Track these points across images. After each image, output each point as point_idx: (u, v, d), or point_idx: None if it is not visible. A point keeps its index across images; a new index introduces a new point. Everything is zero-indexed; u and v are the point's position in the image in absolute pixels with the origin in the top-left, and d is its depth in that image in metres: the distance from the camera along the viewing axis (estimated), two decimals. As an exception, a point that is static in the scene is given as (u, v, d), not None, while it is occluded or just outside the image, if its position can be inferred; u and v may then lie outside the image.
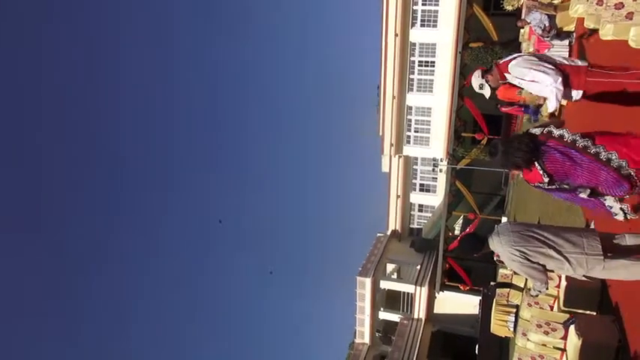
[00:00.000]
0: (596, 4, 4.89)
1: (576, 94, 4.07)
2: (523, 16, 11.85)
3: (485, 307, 16.99)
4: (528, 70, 4.07)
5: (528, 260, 3.85)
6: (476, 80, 4.50)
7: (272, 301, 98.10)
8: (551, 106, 4.03)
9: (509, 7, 19.71)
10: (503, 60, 4.39)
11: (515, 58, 4.25)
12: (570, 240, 3.78)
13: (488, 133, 25.24)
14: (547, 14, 10.98)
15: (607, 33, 3.95)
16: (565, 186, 3.39)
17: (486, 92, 4.49)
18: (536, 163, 3.31)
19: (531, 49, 12.32)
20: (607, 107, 6.77)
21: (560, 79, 3.94)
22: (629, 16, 3.90)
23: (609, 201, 3.35)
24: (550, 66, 3.96)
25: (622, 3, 4.01)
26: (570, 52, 5.98)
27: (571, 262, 3.74)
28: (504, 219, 25.88)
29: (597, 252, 3.70)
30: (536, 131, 3.51)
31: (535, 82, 4.06)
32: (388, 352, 31.75)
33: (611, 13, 4.00)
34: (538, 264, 3.85)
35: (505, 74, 4.35)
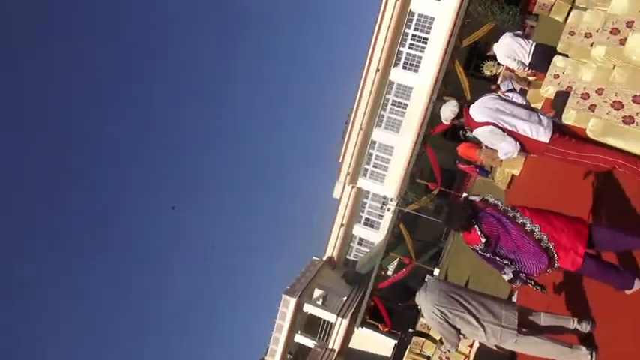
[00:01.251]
0: (566, 88, 5.10)
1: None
2: (499, 82, 12.30)
3: (399, 352, 17.15)
4: (490, 140, 4.21)
5: (447, 322, 3.94)
6: (448, 110, 4.52)
7: (196, 297, 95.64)
8: (501, 155, 4.24)
9: (487, 72, 20.48)
10: (470, 110, 4.40)
11: (479, 108, 4.32)
12: (492, 309, 3.88)
13: (441, 185, 25.87)
14: (520, 87, 11.44)
15: (569, 118, 4.11)
16: (497, 258, 3.71)
17: (447, 116, 4.54)
18: (475, 225, 3.55)
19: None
20: (553, 182, 7.03)
21: (517, 149, 4.10)
22: (592, 108, 4.06)
23: (530, 283, 3.70)
24: (510, 140, 4.12)
25: (588, 94, 4.17)
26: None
27: (486, 331, 3.84)
28: (437, 271, 26.39)
29: (513, 326, 3.81)
30: (475, 199, 3.84)
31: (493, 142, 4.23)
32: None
33: (576, 100, 4.15)
34: (455, 327, 3.94)
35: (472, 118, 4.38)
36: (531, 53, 6.75)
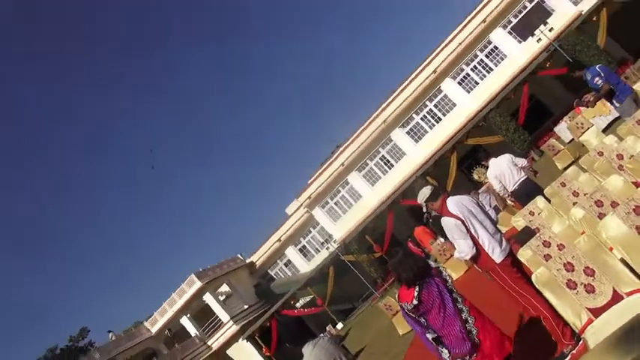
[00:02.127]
0: (534, 228, 5.28)
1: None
2: (480, 191, 12.63)
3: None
4: (453, 234, 4.26)
5: None
6: (428, 191, 4.60)
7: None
8: (455, 253, 4.21)
9: (475, 176, 20.99)
10: (446, 202, 4.51)
11: (457, 202, 4.42)
12: None
13: (385, 252, 26.08)
14: (496, 204, 11.78)
15: (524, 255, 4.25)
16: (422, 319, 3.70)
17: (424, 196, 4.58)
18: (417, 287, 3.52)
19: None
20: (483, 302, 7.20)
21: (473, 253, 4.18)
22: (547, 257, 4.20)
23: (445, 354, 3.61)
24: (470, 243, 4.18)
25: (550, 244, 4.32)
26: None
27: None
28: (340, 325, 26.42)
29: None
30: (432, 264, 3.84)
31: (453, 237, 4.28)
32: (162, 352, 30.71)
33: (537, 244, 4.29)
34: None
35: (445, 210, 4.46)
36: (518, 183, 7.00)
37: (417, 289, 3.55)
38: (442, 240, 10.52)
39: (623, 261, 3.21)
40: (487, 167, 8.21)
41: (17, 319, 75.83)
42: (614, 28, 22.82)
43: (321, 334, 4.52)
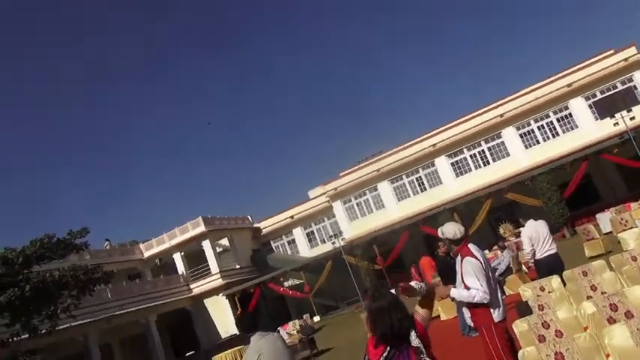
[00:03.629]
0: (538, 306, 5.14)
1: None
2: (501, 245, 12.36)
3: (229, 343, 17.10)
4: (477, 274, 4.18)
5: None
6: (455, 229, 4.47)
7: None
8: (468, 293, 4.12)
9: (500, 230, 20.60)
10: (469, 246, 4.44)
11: (478, 250, 4.39)
12: None
13: (386, 266, 25.92)
14: (510, 266, 11.50)
15: (519, 326, 4.15)
16: None
17: (450, 233, 4.44)
18: (388, 348, 2.94)
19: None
20: (466, 353, 7.08)
21: (485, 299, 4.09)
22: (541, 339, 4.09)
23: None
24: (487, 291, 4.09)
25: (549, 326, 4.20)
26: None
27: None
28: (317, 318, 26.52)
29: None
30: (413, 337, 3.01)
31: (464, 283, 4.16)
32: (145, 277, 31.49)
33: (536, 321, 4.18)
34: None
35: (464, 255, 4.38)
36: (546, 254, 6.74)
37: (385, 352, 2.93)
38: (439, 280, 10.28)
39: (615, 372, 3.09)
40: (517, 224, 8.06)
41: (29, 204, 78.80)
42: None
43: (278, 329, 4.56)
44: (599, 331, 3.40)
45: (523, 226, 7.41)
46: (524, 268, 12.54)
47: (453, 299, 4.42)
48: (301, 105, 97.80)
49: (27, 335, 16.94)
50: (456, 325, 9.41)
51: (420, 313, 3.08)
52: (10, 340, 16.66)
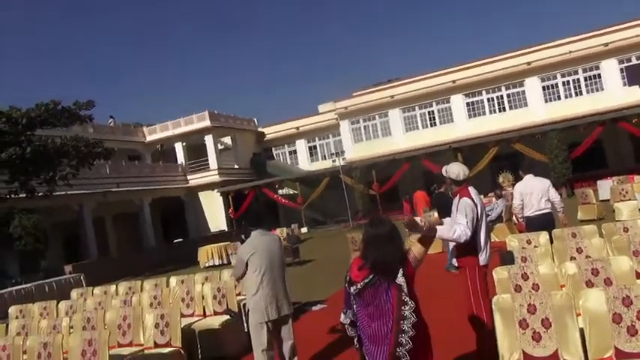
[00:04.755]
0: (521, 258, 5.23)
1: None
2: (496, 194, 12.39)
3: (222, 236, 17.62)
4: (467, 213, 4.25)
5: (245, 263, 4.56)
6: (461, 170, 4.52)
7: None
8: (452, 231, 4.20)
9: (500, 179, 20.61)
10: (469, 188, 4.52)
11: (477, 194, 4.48)
12: (275, 284, 4.61)
13: (380, 192, 26.25)
14: (502, 215, 11.60)
15: (498, 273, 4.26)
16: (354, 302, 2.97)
17: (454, 172, 4.49)
18: (371, 275, 2.87)
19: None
20: (443, 287, 7.33)
21: (466, 238, 4.15)
22: (517, 289, 4.18)
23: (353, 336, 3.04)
24: (469, 231, 4.17)
25: (527, 276, 4.28)
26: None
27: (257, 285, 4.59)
28: (304, 229, 27.29)
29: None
30: (400, 279, 2.87)
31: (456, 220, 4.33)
32: (145, 160, 31.87)
33: (516, 272, 4.27)
34: (246, 266, 4.57)
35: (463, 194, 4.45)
36: (538, 212, 6.57)
37: (368, 278, 2.85)
38: (435, 215, 10.46)
39: (581, 332, 3.17)
40: (517, 175, 7.92)
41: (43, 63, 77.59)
42: None
43: (276, 232, 4.79)
44: (576, 292, 3.46)
45: (522, 178, 7.25)
46: (514, 219, 12.69)
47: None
48: (329, 18, 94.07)
49: (24, 195, 17.44)
50: (439, 261, 9.69)
51: (413, 252, 3.08)
52: (8, 196, 17.17)
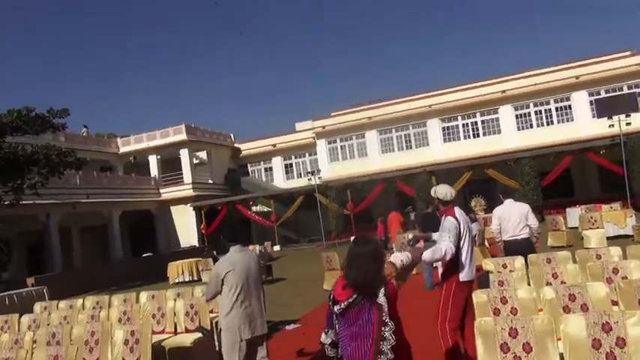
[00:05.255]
0: (499, 281, 5.26)
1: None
2: (472, 217, 12.52)
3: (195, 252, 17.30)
4: (450, 233, 4.46)
5: (221, 281, 4.45)
6: (449, 191, 4.79)
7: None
8: (437, 251, 4.40)
9: (472, 203, 20.86)
10: (455, 209, 4.72)
11: (462, 214, 4.70)
12: (253, 301, 4.55)
13: (355, 213, 26.31)
14: (475, 238, 11.72)
15: (478, 296, 4.27)
16: (334, 317, 2.92)
17: (444, 194, 4.76)
18: (354, 295, 2.83)
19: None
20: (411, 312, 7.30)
21: (449, 256, 4.35)
22: (496, 312, 4.19)
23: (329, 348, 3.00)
24: (453, 250, 4.38)
25: (507, 300, 4.30)
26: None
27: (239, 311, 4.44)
28: (277, 247, 27.05)
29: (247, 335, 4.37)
30: (382, 297, 2.81)
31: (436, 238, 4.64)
32: (117, 171, 31.31)
33: (495, 295, 4.27)
34: (221, 286, 4.47)
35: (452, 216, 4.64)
36: (516, 237, 6.58)
37: (352, 298, 2.82)
38: (413, 235, 10.60)
39: (561, 357, 3.19)
40: (489, 201, 8.05)
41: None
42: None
43: (250, 248, 4.73)
44: (555, 317, 3.48)
45: (497, 203, 7.30)
46: (486, 243, 12.82)
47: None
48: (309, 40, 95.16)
49: (-11, 202, 16.84)
50: (419, 281, 9.69)
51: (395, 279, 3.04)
52: (-28, 203, 16.55)
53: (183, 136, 31.21)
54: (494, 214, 7.10)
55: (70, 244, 26.15)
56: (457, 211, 4.66)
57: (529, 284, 5.22)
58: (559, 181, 24.06)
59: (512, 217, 6.84)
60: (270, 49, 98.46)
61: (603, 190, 24.82)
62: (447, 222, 4.53)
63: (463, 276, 4.48)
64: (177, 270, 17.40)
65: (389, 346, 2.73)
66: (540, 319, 3.27)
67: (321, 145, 32.18)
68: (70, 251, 26.05)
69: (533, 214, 6.98)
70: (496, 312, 4.24)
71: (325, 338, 3.02)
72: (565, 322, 3.25)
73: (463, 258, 4.50)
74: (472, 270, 4.57)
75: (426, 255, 4.23)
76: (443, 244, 4.36)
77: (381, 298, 2.79)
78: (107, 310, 7.03)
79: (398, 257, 3.20)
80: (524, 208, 6.91)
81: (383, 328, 2.75)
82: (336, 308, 2.87)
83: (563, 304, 4.15)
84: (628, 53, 27.04)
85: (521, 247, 6.61)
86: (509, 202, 7.04)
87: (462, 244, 4.51)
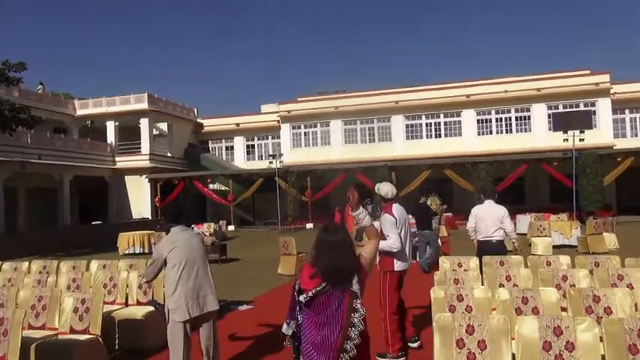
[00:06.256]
0: (454, 279, 5.40)
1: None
2: (436, 213, 12.78)
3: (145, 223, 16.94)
4: (387, 228, 5.04)
5: (164, 261, 4.34)
6: (391, 189, 5.28)
7: None
8: (386, 242, 4.98)
9: (429, 201, 21.32)
10: (393, 205, 5.21)
11: (399, 209, 5.24)
12: (198, 283, 4.39)
13: (313, 201, 26.40)
14: (435, 232, 11.98)
15: (434, 292, 4.38)
16: (298, 307, 2.84)
17: (386, 191, 5.25)
18: (323, 283, 2.77)
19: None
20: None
21: (398, 249, 5.00)
22: (451, 309, 4.31)
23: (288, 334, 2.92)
24: (399, 240, 5.03)
25: (463, 298, 4.43)
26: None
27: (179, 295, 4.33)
28: (231, 227, 26.85)
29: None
30: (355, 290, 2.80)
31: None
32: (72, 135, 30.17)
33: (452, 293, 4.41)
34: (163, 266, 4.38)
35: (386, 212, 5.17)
36: (486, 238, 6.59)
37: (320, 286, 2.76)
38: (359, 227, 11.12)
39: (513, 357, 3.32)
40: (444, 201, 8.23)
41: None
42: (629, 179, 23.61)
43: (194, 227, 4.65)
44: (509, 318, 3.61)
45: (448, 204, 7.57)
46: (439, 242, 13.15)
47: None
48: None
49: None
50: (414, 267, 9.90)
51: (364, 257, 3.04)
52: None
53: (144, 105, 30.32)
54: (473, 212, 7.08)
55: (15, 205, 25.05)
56: (395, 207, 5.17)
57: (482, 284, 5.41)
58: (512, 187, 24.89)
59: (488, 218, 6.84)
60: (244, 31, 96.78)
61: (552, 201, 25.87)
62: (384, 218, 5.06)
63: (398, 266, 5.08)
64: (127, 241, 17.01)
65: (357, 332, 2.73)
66: (496, 319, 3.39)
67: (285, 130, 32.03)
68: (15, 213, 24.97)
69: (509, 219, 6.93)
70: (452, 309, 4.36)
71: (287, 329, 2.94)
72: (520, 323, 3.39)
73: (400, 250, 5.05)
74: (406, 261, 5.17)
75: (383, 244, 4.80)
76: (390, 239, 4.96)
77: (355, 286, 2.80)
78: (55, 276, 6.80)
79: (363, 217, 3.40)
80: (501, 211, 6.84)
81: (352, 315, 2.74)
82: (302, 297, 2.80)
83: (516, 306, 4.32)
84: (587, 72, 28.14)
85: (493, 249, 6.68)
86: (488, 203, 7.01)
87: (401, 233, 5.09)
